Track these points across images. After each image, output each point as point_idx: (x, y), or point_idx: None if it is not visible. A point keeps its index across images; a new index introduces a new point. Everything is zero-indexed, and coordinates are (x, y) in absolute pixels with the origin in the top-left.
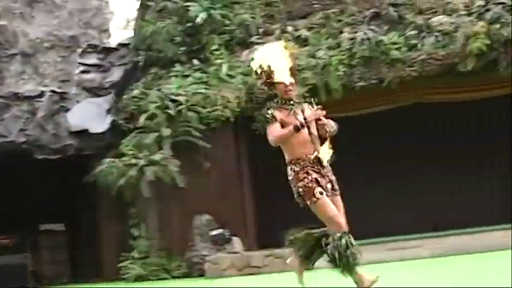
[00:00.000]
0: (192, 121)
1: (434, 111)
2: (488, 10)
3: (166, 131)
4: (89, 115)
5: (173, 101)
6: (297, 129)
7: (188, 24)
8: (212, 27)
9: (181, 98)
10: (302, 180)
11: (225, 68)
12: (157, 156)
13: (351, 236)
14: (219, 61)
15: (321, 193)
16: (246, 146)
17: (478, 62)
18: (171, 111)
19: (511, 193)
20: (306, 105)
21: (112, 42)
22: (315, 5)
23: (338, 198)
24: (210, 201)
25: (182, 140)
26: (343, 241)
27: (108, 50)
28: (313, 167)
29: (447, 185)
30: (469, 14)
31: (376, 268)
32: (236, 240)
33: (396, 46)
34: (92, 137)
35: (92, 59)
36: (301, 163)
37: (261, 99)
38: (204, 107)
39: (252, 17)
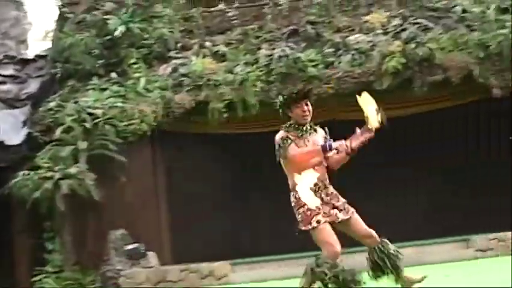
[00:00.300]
0: (109, 134)
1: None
2: (404, 30)
3: (83, 144)
4: (5, 127)
5: (90, 114)
6: (324, 149)
7: (107, 38)
8: (130, 40)
9: (98, 111)
10: (303, 207)
11: (142, 82)
12: (72, 170)
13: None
14: (136, 75)
15: (317, 222)
16: (163, 161)
17: (393, 80)
18: (88, 125)
19: (436, 208)
20: (319, 130)
21: (30, 53)
22: (234, 21)
23: (354, 217)
24: (125, 216)
25: (98, 153)
26: (384, 249)
27: (25, 61)
28: (316, 194)
29: (371, 200)
30: (385, 33)
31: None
32: (151, 255)
33: (313, 63)
34: (7, 149)
35: (9, 70)
36: None
37: (178, 114)
38: (120, 121)
39: (171, 32)
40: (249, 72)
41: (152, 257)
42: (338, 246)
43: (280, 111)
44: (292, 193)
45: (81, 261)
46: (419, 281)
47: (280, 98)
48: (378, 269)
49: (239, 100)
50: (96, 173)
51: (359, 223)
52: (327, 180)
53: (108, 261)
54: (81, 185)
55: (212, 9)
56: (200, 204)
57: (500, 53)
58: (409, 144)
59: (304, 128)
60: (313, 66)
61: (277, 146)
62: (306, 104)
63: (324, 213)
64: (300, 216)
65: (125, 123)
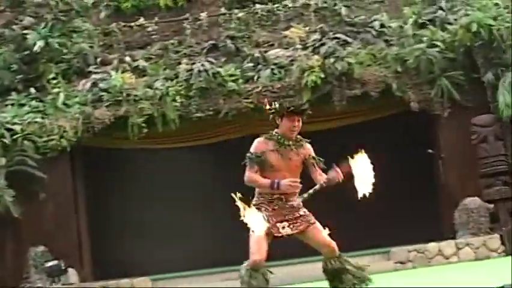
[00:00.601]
0: (28, 150)
1: None
2: (323, 44)
3: (1, 161)
4: None
5: (8, 129)
6: (271, 187)
7: (26, 52)
8: (49, 55)
9: (16, 127)
10: None
11: (61, 97)
12: None
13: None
14: (56, 90)
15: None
16: (83, 177)
17: (312, 95)
18: (6, 140)
19: (357, 222)
20: (306, 145)
21: None
22: (154, 36)
23: (313, 228)
24: (45, 232)
25: (17, 169)
26: (341, 262)
27: None
28: (268, 206)
29: None
30: (305, 48)
31: None
32: (72, 272)
33: (233, 78)
34: None
35: None
36: (261, 198)
37: (98, 129)
38: (40, 136)
39: (90, 46)
40: (168, 87)
41: (72, 274)
42: (258, 256)
43: (271, 116)
44: (254, 198)
45: (0, 278)
46: None
47: (277, 104)
48: (333, 281)
49: (159, 115)
50: (15, 190)
51: (319, 233)
52: (293, 193)
53: (28, 279)
54: (0, 202)
55: (132, 24)
56: (120, 220)
57: (417, 67)
58: (329, 158)
59: (286, 142)
60: (233, 81)
61: (252, 150)
62: (298, 120)
63: (270, 224)
64: None
65: (45, 138)
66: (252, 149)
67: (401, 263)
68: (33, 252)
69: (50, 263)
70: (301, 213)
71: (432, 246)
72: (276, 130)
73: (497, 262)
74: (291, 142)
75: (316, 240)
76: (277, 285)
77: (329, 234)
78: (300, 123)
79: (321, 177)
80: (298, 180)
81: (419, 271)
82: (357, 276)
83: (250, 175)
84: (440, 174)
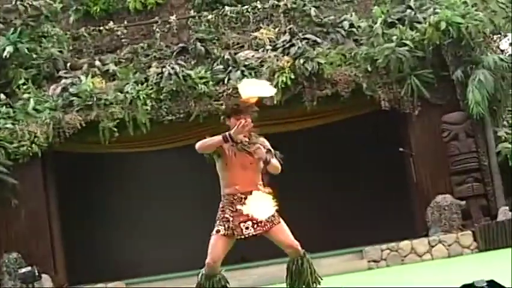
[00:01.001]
0: None
1: None
2: (293, 45)
3: None
4: None
5: None
6: (224, 140)
7: None
8: (19, 61)
9: None
10: (218, 215)
11: (32, 103)
12: None
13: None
14: (26, 95)
15: (217, 231)
16: (55, 182)
17: (283, 95)
18: None
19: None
20: (260, 141)
21: None
22: (123, 39)
23: (277, 228)
24: (18, 239)
25: None
26: (304, 262)
27: None
28: (231, 207)
29: None
30: (275, 49)
31: None
32: (46, 278)
33: (203, 80)
34: None
35: None
36: (224, 200)
37: (69, 134)
38: (10, 142)
39: (60, 51)
40: (139, 90)
41: (46, 280)
42: (210, 260)
43: (222, 118)
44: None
45: None
46: None
47: (224, 107)
48: (295, 281)
49: (130, 119)
50: None
51: (283, 233)
52: (256, 188)
53: (1, 285)
54: None
55: (101, 28)
56: (93, 225)
57: (387, 66)
58: (301, 159)
59: (239, 142)
60: (204, 83)
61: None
62: (245, 119)
63: (231, 225)
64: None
65: (16, 144)
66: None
67: (375, 261)
68: (6, 258)
69: (23, 270)
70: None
71: (405, 244)
72: (228, 132)
73: (470, 259)
74: (243, 141)
75: (280, 240)
76: (258, 285)
77: (293, 234)
78: (249, 121)
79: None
80: (249, 119)
81: (392, 269)
82: (315, 276)
83: (199, 142)
84: (412, 173)
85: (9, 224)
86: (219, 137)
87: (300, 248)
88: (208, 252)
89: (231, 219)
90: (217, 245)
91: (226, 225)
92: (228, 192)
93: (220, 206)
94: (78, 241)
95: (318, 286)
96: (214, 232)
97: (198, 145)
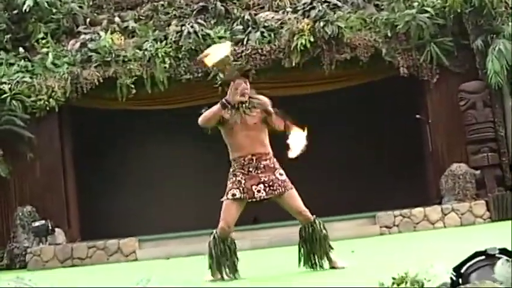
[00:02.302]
0: (16, 110)
1: None
2: (313, 8)
3: None
4: None
5: None
6: (223, 106)
7: (15, 12)
8: (38, 15)
9: (5, 87)
10: (229, 180)
11: (50, 57)
12: None
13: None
14: (44, 50)
15: (233, 195)
16: (71, 137)
17: (302, 58)
18: None
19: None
20: (262, 100)
21: None
22: None
23: (289, 194)
24: (33, 192)
25: (5, 129)
26: (315, 228)
27: None
28: (243, 169)
29: None
30: (295, 11)
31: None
32: (59, 232)
33: (222, 40)
34: None
35: None
36: (235, 164)
37: (86, 89)
38: (28, 96)
39: (80, 7)
40: (158, 48)
41: (59, 234)
42: (224, 224)
43: (220, 88)
44: (230, 165)
45: None
46: (339, 268)
47: (221, 75)
48: (306, 246)
49: (148, 76)
50: (3, 149)
51: (295, 200)
52: (264, 152)
53: (15, 239)
54: None
55: None
56: (108, 180)
57: (407, 32)
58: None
59: (238, 106)
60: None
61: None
62: (245, 83)
63: (245, 188)
64: (226, 186)
65: (33, 98)
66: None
67: (387, 227)
68: (20, 212)
69: (37, 223)
70: (278, 175)
71: (418, 211)
72: (225, 98)
73: (482, 228)
74: (244, 105)
75: (290, 207)
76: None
77: (308, 198)
78: (248, 85)
79: (278, 122)
80: (243, 81)
81: (404, 235)
82: (328, 243)
83: (200, 117)
84: (428, 140)
85: (24, 178)
86: (217, 106)
87: (310, 214)
88: (222, 217)
89: (243, 182)
90: (230, 210)
91: (241, 188)
92: (237, 156)
93: (231, 170)
94: (92, 197)
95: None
96: (228, 196)
97: (200, 120)
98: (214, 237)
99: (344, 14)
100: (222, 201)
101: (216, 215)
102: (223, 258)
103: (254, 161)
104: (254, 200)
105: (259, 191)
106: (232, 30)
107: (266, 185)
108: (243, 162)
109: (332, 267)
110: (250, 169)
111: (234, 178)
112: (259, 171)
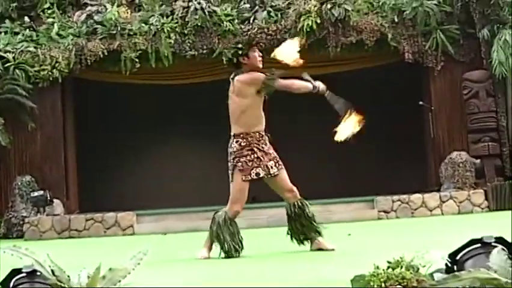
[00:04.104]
0: (19, 79)
1: None
2: None
3: None
4: None
5: (0, 57)
6: (315, 89)
7: None
8: None
9: (9, 55)
10: (245, 157)
11: (55, 28)
12: None
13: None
14: (50, 20)
15: (257, 174)
16: (73, 109)
17: (307, 39)
18: None
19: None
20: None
21: None
22: None
23: (283, 172)
24: (33, 162)
25: (8, 98)
26: (302, 206)
27: None
28: (258, 144)
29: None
30: None
31: (200, 236)
32: (57, 203)
33: (228, 18)
34: None
35: None
36: (249, 139)
37: (91, 61)
38: (32, 66)
39: None
40: (164, 23)
41: (57, 205)
42: (239, 207)
43: (234, 61)
44: (235, 139)
45: None
46: (327, 250)
47: (233, 49)
48: (293, 224)
49: (152, 51)
50: (4, 118)
51: (285, 178)
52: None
53: (13, 208)
54: None
55: None
56: (108, 154)
57: (414, 18)
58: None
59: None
60: (229, 20)
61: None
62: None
63: (264, 166)
64: (240, 164)
65: (36, 68)
66: (260, 77)
67: (385, 212)
68: (19, 181)
69: (35, 193)
70: (275, 153)
71: (416, 197)
72: (243, 70)
73: (479, 217)
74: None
75: (282, 185)
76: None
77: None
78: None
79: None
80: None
81: (401, 221)
82: (316, 221)
83: (288, 82)
84: (430, 127)
85: (25, 147)
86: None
87: (297, 193)
88: (237, 198)
89: (262, 158)
90: (246, 192)
91: (262, 166)
92: (256, 130)
93: (243, 145)
94: (91, 170)
95: (322, 228)
96: (252, 176)
97: (296, 87)
98: (224, 218)
99: None
100: (237, 181)
101: (214, 191)
102: (236, 238)
103: (264, 135)
104: (269, 176)
105: (271, 167)
106: (239, 8)
107: (275, 160)
108: (259, 138)
109: (319, 248)
110: (264, 144)
111: (252, 155)
112: (268, 147)
